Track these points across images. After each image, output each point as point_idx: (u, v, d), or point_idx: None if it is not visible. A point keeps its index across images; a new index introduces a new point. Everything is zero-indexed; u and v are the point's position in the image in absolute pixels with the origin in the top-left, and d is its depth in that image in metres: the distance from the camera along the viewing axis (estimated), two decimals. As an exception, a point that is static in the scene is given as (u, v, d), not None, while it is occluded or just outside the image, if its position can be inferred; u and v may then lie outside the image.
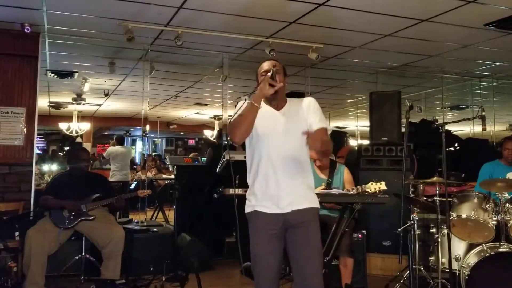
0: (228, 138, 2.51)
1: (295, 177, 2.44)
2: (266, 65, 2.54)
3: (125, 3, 4.30)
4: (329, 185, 4.10)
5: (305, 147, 2.48)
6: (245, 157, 2.59)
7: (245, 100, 2.43)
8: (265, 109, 2.47)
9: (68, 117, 10.93)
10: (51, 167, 9.15)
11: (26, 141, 4.99)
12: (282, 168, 2.42)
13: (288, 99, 2.59)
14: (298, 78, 7.05)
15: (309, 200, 2.47)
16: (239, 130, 2.39)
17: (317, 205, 2.52)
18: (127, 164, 8.68)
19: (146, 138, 13.91)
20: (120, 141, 8.83)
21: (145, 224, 5.59)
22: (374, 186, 3.45)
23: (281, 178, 2.41)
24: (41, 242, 3.97)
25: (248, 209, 2.51)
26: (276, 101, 2.52)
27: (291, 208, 2.40)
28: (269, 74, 2.40)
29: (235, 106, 2.50)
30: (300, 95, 7.08)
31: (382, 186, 3.45)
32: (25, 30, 4.79)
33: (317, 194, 2.62)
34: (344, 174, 4.24)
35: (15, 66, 5.03)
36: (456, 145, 7.41)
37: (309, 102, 2.54)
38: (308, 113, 2.51)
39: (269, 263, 2.41)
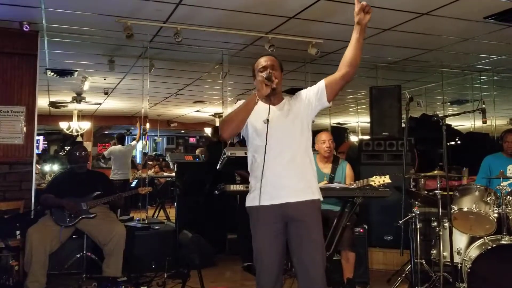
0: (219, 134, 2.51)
1: (292, 170, 2.42)
2: (263, 61, 2.54)
3: (123, 0, 4.28)
4: (331, 180, 4.11)
5: (303, 139, 2.48)
6: (245, 153, 2.58)
7: (243, 101, 2.44)
8: (260, 105, 2.43)
9: (68, 117, 10.93)
10: (53, 167, 9.14)
11: (26, 139, 4.99)
12: (279, 161, 2.40)
13: (285, 96, 2.58)
14: (298, 74, 7.03)
15: (309, 192, 2.44)
16: (229, 125, 2.42)
17: (317, 197, 2.48)
18: (128, 163, 8.68)
19: (147, 137, 13.89)
20: (120, 140, 8.82)
21: (146, 221, 5.59)
22: (378, 180, 3.41)
23: (279, 171, 2.39)
24: (42, 240, 3.97)
25: (248, 203, 2.49)
26: (273, 98, 2.49)
27: (289, 200, 2.38)
28: (265, 74, 2.38)
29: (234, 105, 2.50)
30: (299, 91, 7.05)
31: (387, 179, 3.40)
32: (24, 29, 4.78)
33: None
34: (346, 169, 4.26)
35: (14, 64, 5.02)
36: (457, 139, 7.41)
37: (305, 89, 2.56)
38: (309, 91, 2.52)
39: (269, 256, 2.39)
